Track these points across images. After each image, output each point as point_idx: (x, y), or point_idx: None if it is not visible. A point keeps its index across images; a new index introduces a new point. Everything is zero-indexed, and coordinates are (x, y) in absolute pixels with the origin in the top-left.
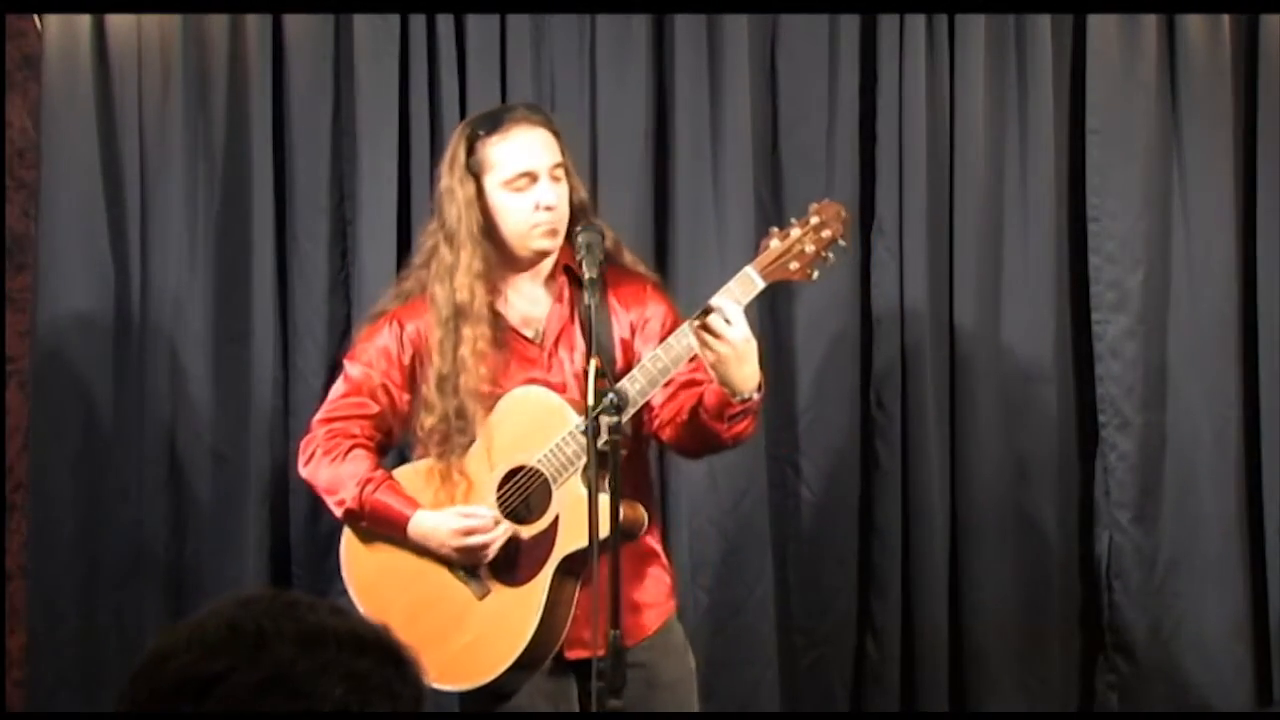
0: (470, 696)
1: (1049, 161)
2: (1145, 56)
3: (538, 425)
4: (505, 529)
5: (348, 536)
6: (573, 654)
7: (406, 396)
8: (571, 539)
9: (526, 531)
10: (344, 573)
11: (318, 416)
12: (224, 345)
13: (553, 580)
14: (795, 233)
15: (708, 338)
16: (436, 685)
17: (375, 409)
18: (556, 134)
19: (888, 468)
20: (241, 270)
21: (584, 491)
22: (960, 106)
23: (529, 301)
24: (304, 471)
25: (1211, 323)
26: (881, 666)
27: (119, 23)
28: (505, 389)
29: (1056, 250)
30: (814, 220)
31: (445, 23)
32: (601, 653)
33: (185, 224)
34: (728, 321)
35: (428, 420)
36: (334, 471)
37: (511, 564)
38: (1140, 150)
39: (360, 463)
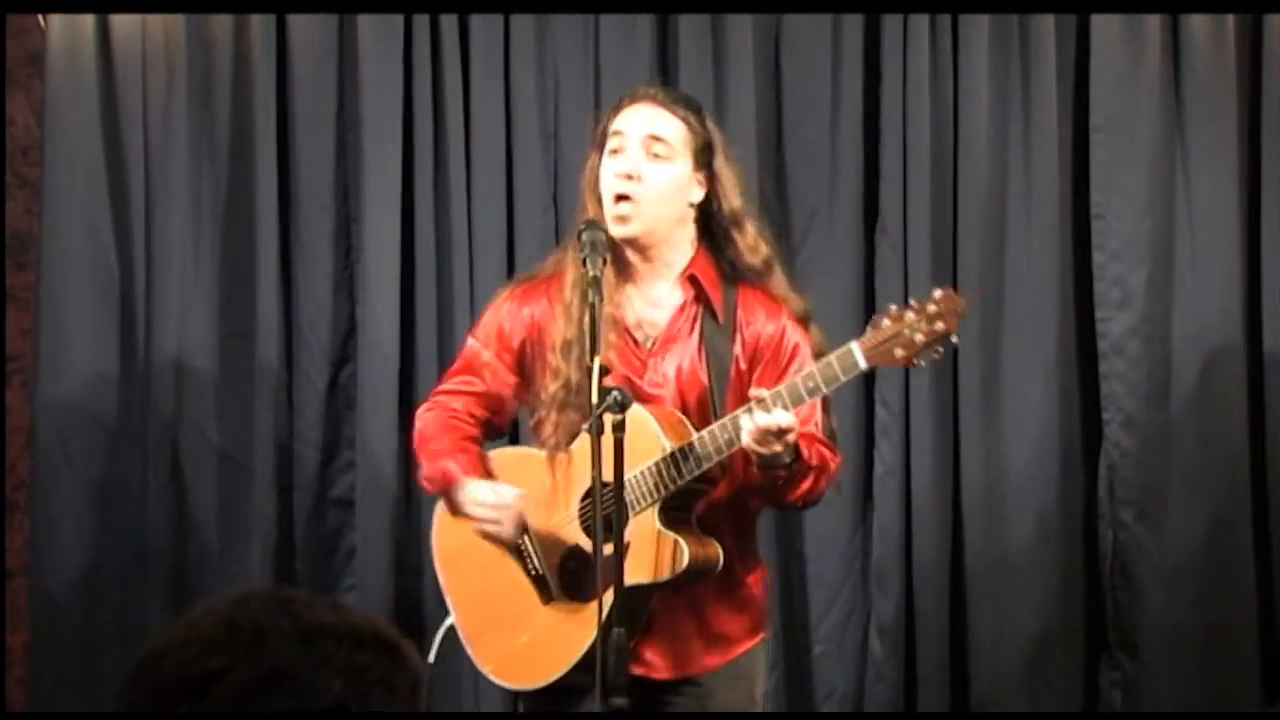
0: (530, 695)
1: (1053, 160)
2: (1149, 55)
3: (630, 445)
4: (519, 507)
5: (440, 509)
6: (633, 670)
7: (513, 379)
8: (636, 572)
9: None
10: (433, 542)
11: (437, 387)
12: (228, 342)
13: (613, 606)
14: (910, 316)
15: (770, 441)
16: (494, 678)
17: (480, 387)
18: (687, 123)
19: (891, 466)
20: (245, 268)
21: (657, 525)
22: (964, 105)
23: (649, 303)
24: (415, 441)
25: (1215, 320)
26: (884, 665)
27: (123, 21)
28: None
29: (1060, 248)
30: (930, 309)
31: (449, 22)
32: (663, 676)
33: (189, 222)
34: (788, 429)
35: (551, 385)
36: (424, 443)
37: (579, 578)
38: (1144, 148)
39: (446, 434)
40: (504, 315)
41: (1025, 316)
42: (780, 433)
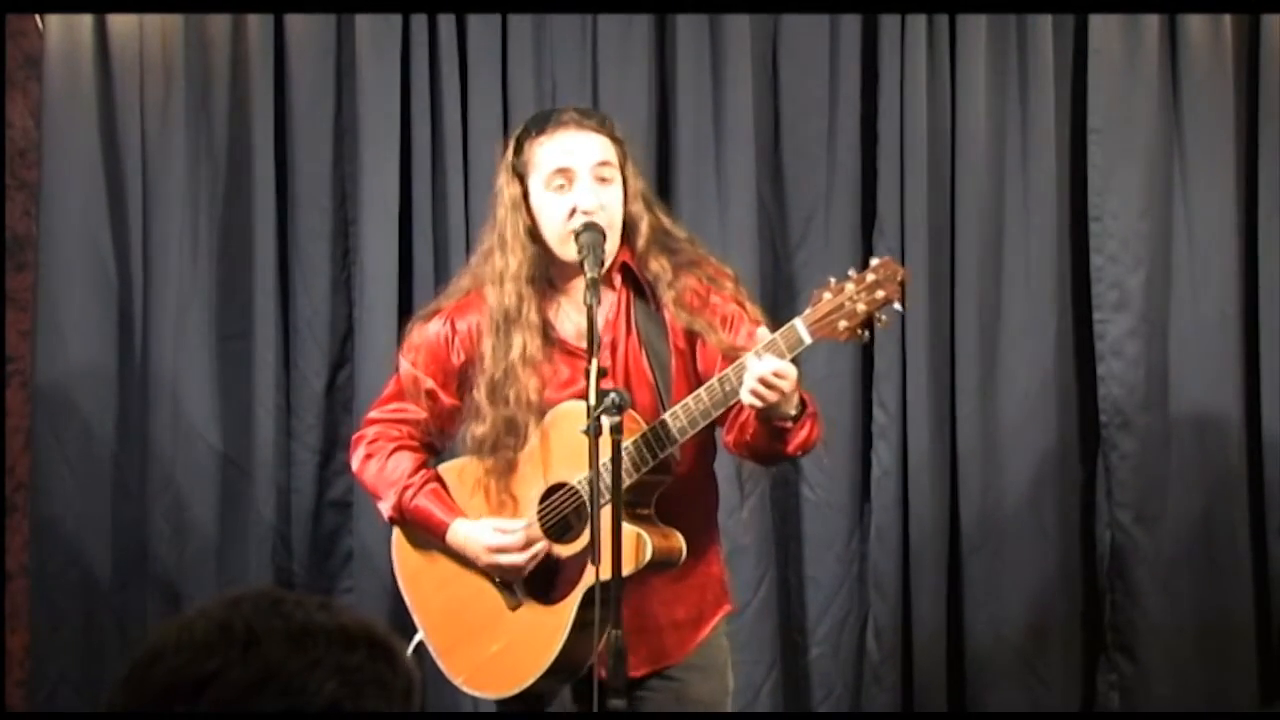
0: (503, 702)
1: (1050, 161)
2: (1147, 56)
3: (584, 444)
4: (539, 547)
5: (399, 531)
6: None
7: (453, 401)
8: (603, 569)
9: (562, 551)
10: (393, 559)
11: (369, 414)
12: (225, 344)
13: (580, 604)
14: (849, 288)
15: (761, 390)
16: (466, 689)
17: (420, 415)
18: (613, 139)
19: (888, 467)
20: (243, 270)
21: (620, 520)
22: (961, 106)
23: (580, 309)
24: (354, 467)
25: (1213, 322)
26: (882, 666)
27: (120, 22)
28: (556, 401)
29: (1058, 250)
30: (869, 278)
31: (447, 23)
32: (641, 673)
33: (187, 223)
34: (780, 376)
35: (477, 429)
36: (376, 475)
37: (545, 580)
38: (1142, 150)
39: (402, 466)
40: (438, 337)
41: (1023, 318)
42: (779, 378)
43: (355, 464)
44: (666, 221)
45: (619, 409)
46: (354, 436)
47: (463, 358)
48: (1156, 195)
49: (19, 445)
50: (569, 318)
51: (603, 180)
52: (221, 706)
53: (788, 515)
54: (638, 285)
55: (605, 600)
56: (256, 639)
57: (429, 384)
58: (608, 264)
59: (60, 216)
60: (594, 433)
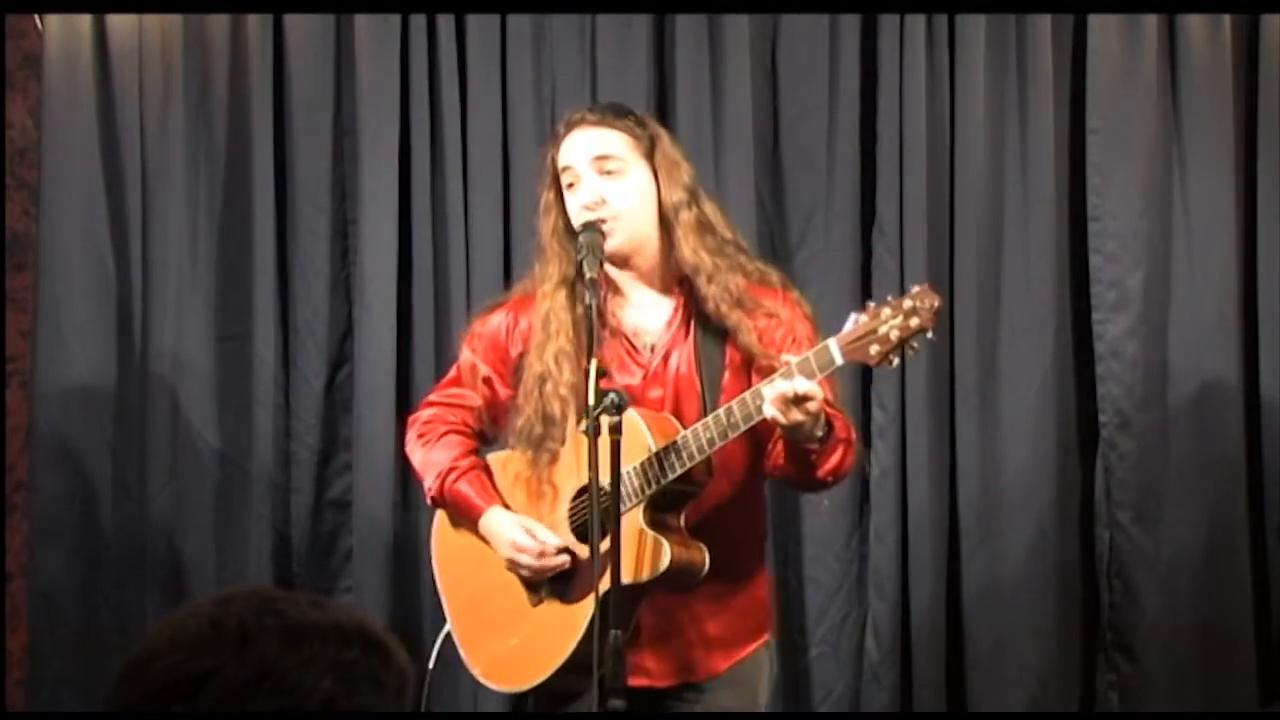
0: (535, 696)
1: (1049, 161)
2: (1146, 56)
3: (620, 447)
4: (557, 561)
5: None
6: (634, 681)
7: (508, 391)
8: (622, 572)
9: (585, 552)
10: (432, 542)
11: (427, 397)
12: (225, 344)
13: (602, 608)
14: (885, 313)
15: (790, 409)
16: (483, 680)
17: (476, 402)
18: (626, 130)
19: (887, 467)
20: (242, 269)
21: (641, 525)
22: (961, 106)
23: (640, 309)
24: (408, 448)
25: (1212, 322)
26: (880, 667)
27: (120, 22)
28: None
29: (1057, 250)
30: (906, 304)
31: (446, 23)
32: (665, 684)
33: (186, 223)
34: (807, 397)
35: (519, 421)
36: (424, 456)
37: (568, 580)
38: (1141, 150)
39: (450, 450)
40: (499, 328)
41: (1022, 318)
42: (798, 400)
43: (408, 444)
44: (714, 218)
45: (618, 409)
46: (410, 417)
47: (520, 349)
48: (1155, 195)
49: (19, 445)
50: (630, 314)
51: (605, 172)
52: (217, 705)
53: (788, 515)
54: (695, 295)
55: (598, 603)
56: (251, 637)
57: (486, 371)
58: (662, 263)
59: (60, 216)
60: (592, 433)
